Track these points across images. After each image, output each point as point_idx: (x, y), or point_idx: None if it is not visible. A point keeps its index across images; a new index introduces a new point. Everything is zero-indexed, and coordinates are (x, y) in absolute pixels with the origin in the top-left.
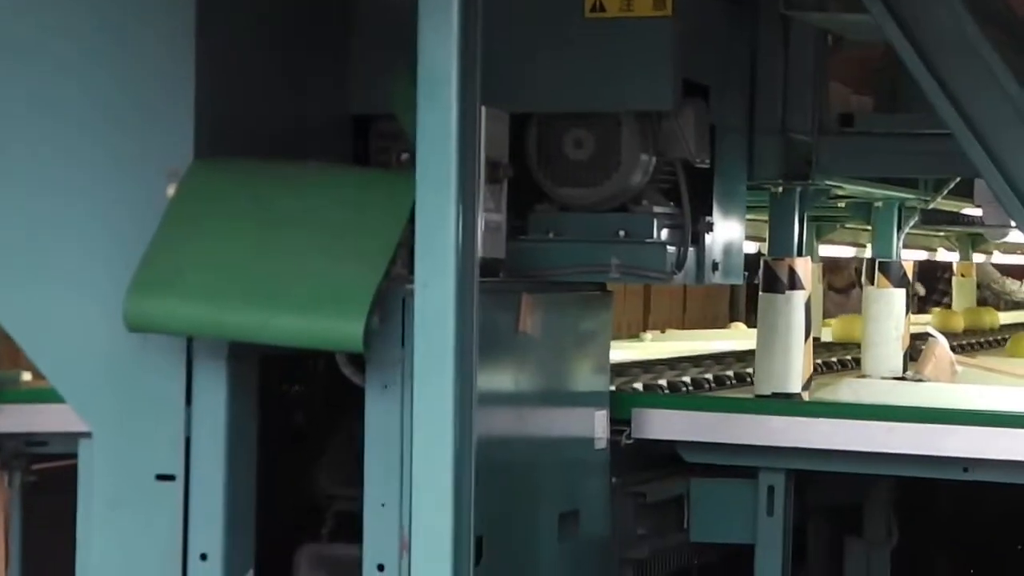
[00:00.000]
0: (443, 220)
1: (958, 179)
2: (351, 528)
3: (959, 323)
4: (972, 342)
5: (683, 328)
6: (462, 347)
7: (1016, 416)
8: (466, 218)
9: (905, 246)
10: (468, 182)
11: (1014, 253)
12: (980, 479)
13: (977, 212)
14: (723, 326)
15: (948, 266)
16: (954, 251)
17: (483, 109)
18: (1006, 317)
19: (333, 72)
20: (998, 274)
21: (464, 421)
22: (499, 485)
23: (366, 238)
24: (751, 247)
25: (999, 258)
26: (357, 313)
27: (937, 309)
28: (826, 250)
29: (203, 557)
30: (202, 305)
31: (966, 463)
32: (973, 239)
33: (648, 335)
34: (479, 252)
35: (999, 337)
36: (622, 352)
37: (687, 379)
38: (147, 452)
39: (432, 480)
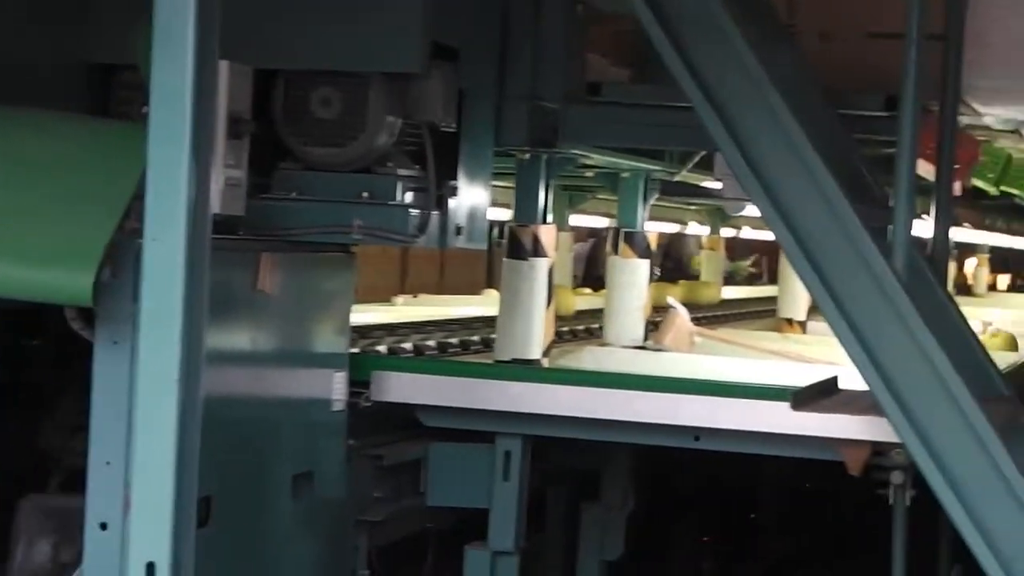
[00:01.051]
0: (174, 175)
1: (703, 152)
2: (82, 483)
3: (676, 295)
4: (712, 315)
5: (440, 293)
6: (191, 304)
7: (744, 387)
8: (199, 174)
9: (657, 219)
10: (203, 137)
11: (762, 228)
12: (710, 448)
13: (717, 185)
14: (479, 292)
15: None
16: (704, 225)
17: (225, 64)
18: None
19: (72, 19)
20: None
21: (190, 379)
22: (230, 445)
23: (99, 190)
24: (505, 214)
25: (748, 233)
26: (86, 266)
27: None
28: (579, 220)
29: None
30: None
31: (697, 432)
32: (722, 213)
33: (400, 299)
34: (214, 208)
35: (738, 311)
36: (369, 315)
37: (432, 343)
38: None
39: (154, 439)
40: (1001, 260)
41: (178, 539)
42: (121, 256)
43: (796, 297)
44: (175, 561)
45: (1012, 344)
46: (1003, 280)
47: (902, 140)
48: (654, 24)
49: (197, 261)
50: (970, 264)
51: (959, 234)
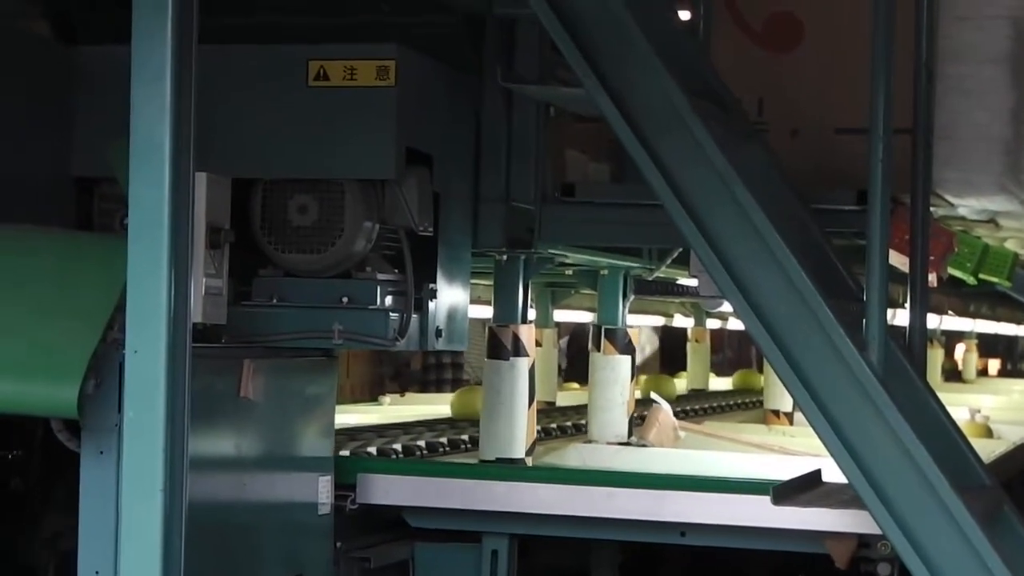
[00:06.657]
0: (154, 286)
1: (680, 249)
2: None
3: (671, 388)
4: (698, 407)
5: (426, 391)
6: (173, 413)
7: (728, 481)
8: (178, 284)
9: (642, 312)
10: (182, 248)
11: None
12: (696, 543)
13: (693, 282)
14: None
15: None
16: (689, 317)
17: (203, 175)
18: None
19: (55, 132)
20: None
21: (174, 488)
22: (218, 551)
23: (82, 302)
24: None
25: (735, 324)
26: (71, 378)
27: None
28: (564, 315)
29: None
30: None
31: (683, 527)
32: None
33: (387, 399)
34: (196, 318)
35: (727, 403)
36: (357, 416)
37: (419, 443)
38: None
39: (141, 548)
40: (990, 345)
41: None
42: (105, 367)
43: (782, 389)
44: None
45: (986, 432)
46: (993, 365)
47: (872, 235)
48: (620, 122)
49: (179, 370)
50: (959, 350)
51: (946, 321)
